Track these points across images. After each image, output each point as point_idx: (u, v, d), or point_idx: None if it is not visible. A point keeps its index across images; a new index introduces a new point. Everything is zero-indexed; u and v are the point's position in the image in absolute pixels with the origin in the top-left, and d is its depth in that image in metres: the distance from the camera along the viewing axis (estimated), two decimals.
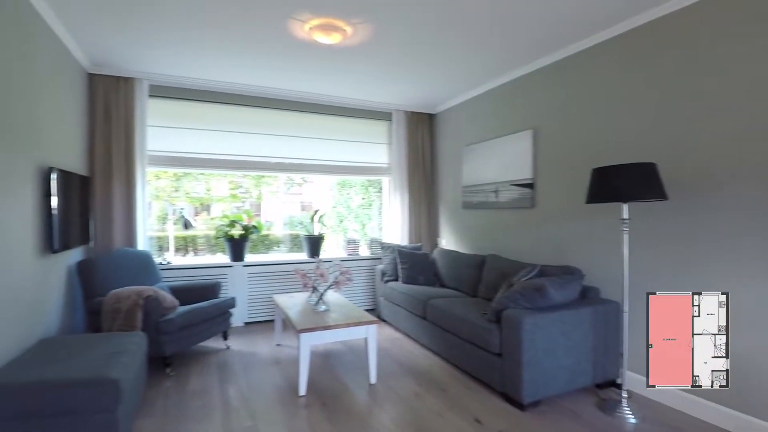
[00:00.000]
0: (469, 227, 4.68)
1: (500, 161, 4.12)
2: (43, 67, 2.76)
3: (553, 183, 3.57)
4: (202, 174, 10.20)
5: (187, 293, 3.77)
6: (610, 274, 3.03)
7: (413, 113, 5.21)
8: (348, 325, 2.93)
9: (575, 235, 3.34)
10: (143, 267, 3.75)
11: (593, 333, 2.81)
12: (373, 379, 3.01)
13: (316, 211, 4.92)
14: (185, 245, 5.27)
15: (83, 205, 3.53)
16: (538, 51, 3.45)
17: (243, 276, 4.44)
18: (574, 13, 2.79)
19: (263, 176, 11.39)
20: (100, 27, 3.03)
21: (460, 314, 3.21)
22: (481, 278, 3.92)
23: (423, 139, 5.27)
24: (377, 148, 5.21)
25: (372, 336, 3.01)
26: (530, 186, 3.76)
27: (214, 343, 3.81)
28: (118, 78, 3.92)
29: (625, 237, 2.62)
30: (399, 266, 4.43)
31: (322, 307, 3.27)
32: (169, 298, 3.29)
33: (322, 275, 3.36)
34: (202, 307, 3.38)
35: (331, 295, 3.67)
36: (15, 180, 2.36)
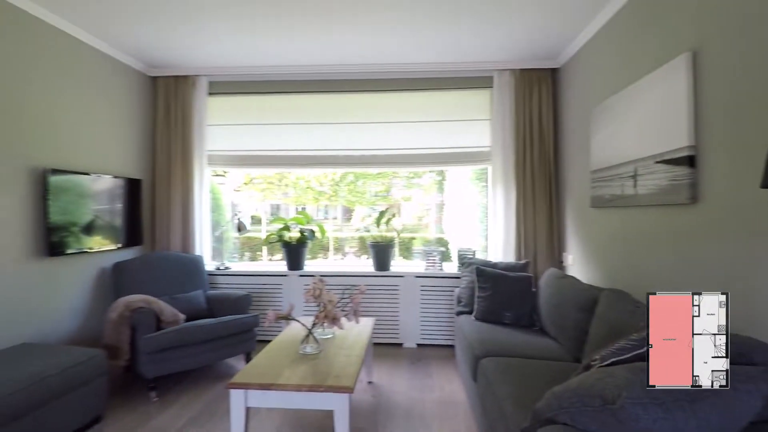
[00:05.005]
0: (597, 238, 2.89)
1: (637, 121, 2.31)
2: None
3: (736, 153, 1.69)
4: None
5: (221, 304, 3.37)
6: None
7: (523, 71, 3.62)
8: (299, 388, 1.89)
9: None
10: (186, 272, 3.52)
11: None
12: None
13: (382, 213, 3.89)
14: (250, 248, 4.96)
15: (133, 208, 3.54)
16: None
17: (298, 287, 3.82)
18: None
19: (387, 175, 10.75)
20: (147, 32, 3.11)
21: (507, 400, 1.77)
22: (589, 329, 2.24)
23: (541, 106, 3.60)
24: (477, 126, 3.84)
25: (342, 411, 1.89)
26: (688, 162, 1.91)
27: (237, 363, 3.29)
28: (177, 78, 3.84)
29: None
30: (476, 292, 3.04)
31: (308, 348, 2.31)
32: (169, 311, 2.89)
33: (317, 297, 2.36)
34: (201, 325, 2.86)
35: (350, 328, 2.66)
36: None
